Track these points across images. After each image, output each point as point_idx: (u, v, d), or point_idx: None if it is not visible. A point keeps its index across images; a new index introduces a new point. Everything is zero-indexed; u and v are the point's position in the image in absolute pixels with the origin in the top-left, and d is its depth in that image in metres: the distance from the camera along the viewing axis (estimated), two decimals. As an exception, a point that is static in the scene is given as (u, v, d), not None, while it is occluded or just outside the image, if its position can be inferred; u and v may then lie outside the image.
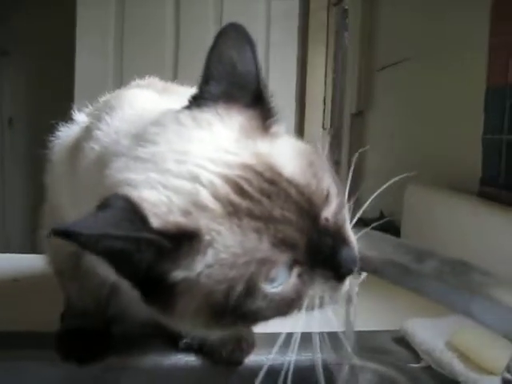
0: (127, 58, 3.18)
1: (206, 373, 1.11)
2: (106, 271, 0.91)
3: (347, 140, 2.73)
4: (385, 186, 0.86)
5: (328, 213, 0.75)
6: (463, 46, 1.80)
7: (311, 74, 3.18)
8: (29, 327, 1.17)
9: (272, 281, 0.71)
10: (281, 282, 0.72)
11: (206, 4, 3.17)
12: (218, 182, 0.71)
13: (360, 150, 0.94)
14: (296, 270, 0.73)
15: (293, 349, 0.77)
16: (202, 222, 0.69)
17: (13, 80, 3.95)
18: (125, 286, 0.86)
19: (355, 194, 0.85)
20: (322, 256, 0.73)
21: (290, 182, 0.73)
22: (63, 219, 0.97)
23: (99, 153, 0.85)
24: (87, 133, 0.93)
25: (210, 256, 0.69)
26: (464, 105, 1.78)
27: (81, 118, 1.08)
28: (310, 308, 0.76)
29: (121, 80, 3.13)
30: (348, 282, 0.78)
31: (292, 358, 0.79)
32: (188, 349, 1.12)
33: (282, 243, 0.70)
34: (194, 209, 0.70)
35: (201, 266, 0.70)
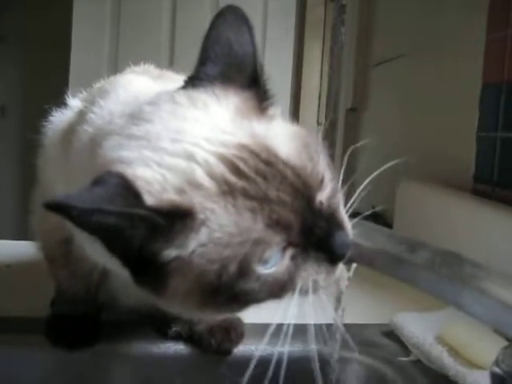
0: (122, 48, 3.18)
1: (194, 361, 1.11)
2: (95, 255, 0.91)
3: (341, 135, 2.73)
4: (377, 172, 0.86)
5: (322, 196, 0.75)
6: (459, 42, 1.80)
7: (307, 69, 3.19)
8: (19, 313, 1.17)
9: (265, 262, 0.71)
10: (274, 263, 0.72)
11: None
12: (214, 160, 0.71)
13: (354, 146, 0.93)
14: (289, 252, 0.73)
15: (286, 338, 0.77)
16: (196, 200, 0.69)
17: (6, 67, 3.93)
18: (115, 268, 0.86)
19: (348, 189, 0.85)
20: (316, 239, 0.73)
21: (285, 163, 0.73)
22: None
23: (92, 134, 0.85)
24: (81, 116, 0.92)
25: (203, 235, 0.69)
26: (459, 101, 1.78)
27: (74, 102, 1.07)
28: (304, 292, 0.76)
29: (115, 69, 3.09)
30: (341, 266, 0.78)
31: (285, 348, 0.79)
32: (177, 337, 1.12)
33: (276, 224, 0.70)
34: (188, 187, 0.69)
35: (194, 245, 0.69)
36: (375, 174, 0.85)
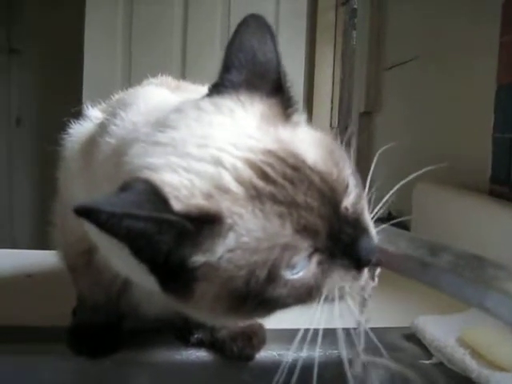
0: (135, 58, 3.20)
1: (216, 368, 1.12)
2: (119, 266, 0.91)
3: (355, 139, 2.73)
4: (397, 187, 0.87)
5: (348, 202, 0.76)
6: (473, 44, 1.79)
7: (319, 73, 3.19)
8: (41, 322, 1.17)
9: (293, 267, 0.71)
10: (301, 268, 0.72)
11: (213, 5, 3.18)
12: (241, 165, 0.71)
13: (385, 147, 0.94)
14: (316, 258, 0.73)
15: (312, 344, 0.78)
16: (224, 205, 0.69)
17: (21, 79, 3.95)
18: (139, 279, 0.86)
19: (367, 192, 0.85)
20: (342, 244, 0.73)
21: (312, 169, 0.73)
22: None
23: (115, 145, 0.85)
24: (102, 128, 0.93)
25: (231, 240, 0.69)
26: (474, 103, 1.78)
27: (93, 113, 1.08)
28: (330, 298, 0.76)
29: (129, 80, 3.15)
30: (366, 272, 0.78)
31: (316, 353, 0.80)
32: (199, 344, 1.12)
33: (304, 229, 0.70)
34: (216, 192, 0.70)
35: (222, 250, 0.70)
36: (406, 180, 0.85)
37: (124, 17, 3.22)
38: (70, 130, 1.07)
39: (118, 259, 0.87)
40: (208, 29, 3.11)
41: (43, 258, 1.46)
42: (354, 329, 0.88)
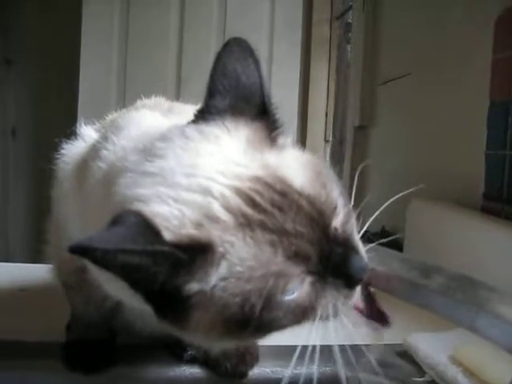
0: (131, 70, 3.21)
1: (210, 385, 1.12)
2: (111, 290, 0.91)
3: (349, 153, 2.74)
4: (389, 202, 0.87)
5: (337, 222, 0.77)
6: (466, 60, 1.81)
7: (314, 86, 3.21)
8: (35, 337, 1.17)
9: (287, 292, 0.72)
10: (294, 290, 0.73)
11: (209, 18, 3.20)
12: (229, 194, 0.72)
13: (363, 164, 0.94)
14: (309, 279, 0.74)
15: (313, 360, 0.78)
16: (215, 234, 0.70)
17: (16, 90, 3.95)
18: (133, 304, 0.87)
19: (357, 208, 0.85)
20: (333, 265, 0.74)
21: (300, 193, 0.74)
22: (69, 235, 0.98)
23: (106, 171, 0.86)
24: (94, 152, 0.93)
25: (223, 268, 0.70)
26: (467, 120, 1.79)
27: (87, 132, 1.08)
28: (325, 317, 0.77)
29: (124, 91, 3.16)
30: (358, 290, 0.79)
31: (314, 369, 0.80)
32: (192, 361, 1.12)
33: (295, 256, 0.71)
34: (206, 221, 0.70)
35: (215, 279, 0.70)
36: (387, 203, 0.85)
37: (120, 27, 3.24)
38: (63, 151, 1.07)
39: (113, 288, 0.87)
40: (203, 42, 3.12)
41: (37, 272, 1.45)
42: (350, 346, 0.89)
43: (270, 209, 0.71)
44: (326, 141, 3.15)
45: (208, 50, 2.96)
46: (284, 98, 2.95)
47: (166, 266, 0.68)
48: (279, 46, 3.14)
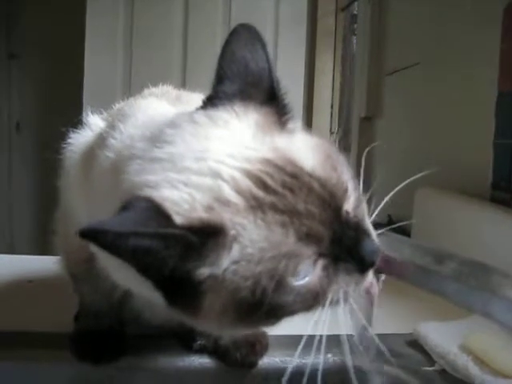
0: (136, 62, 3.20)
1: (219, 375, 1.12)
2: (119, 279, 0.91)
3: (355, 144, 2.73)
4: (397, 189, 0.86)
5: (348, 206, 0.76)
6: (474, 50, 1.80)
7: (319, 78, 3.19)
8: (43, 328, 1.17)
9: (298, 274, 0.71)
10: (306, 274, 0.72)
11: (214, 10, 3.19)
12: (240, 176, 0.71)
13: (370, 147, 0.93)
14: (320, 263, 0.73)
15: (319, 350, 0.77)
16: (226, 216, 0.69)
17: (20, 84, 3.95)
18: (141, 293, 0.86)
19: (365, 198, 0.85)
20: (345, 248, 0.74)
21: (311, 175, 0.73)
22: (77, 224, 0.98)
23: (114, 160, 0.85)
24: (101, 140, 0.93)
25: (235, 251, 0.70)
26: (475, 109, 1.78)
27: (94, 120, 1.08)
28: (335, 303, 0.76)
29: (129, 84, 3.15)
30: (370, 275, 0.78)
31: (320, 359, 0.80)
32: (202, 350, 1.12)
33: (307, 237, 0.70)
34: (216, 204, 0.70)
35: (227, 262, 0.70)
36: (394, 191, 0.85)
37: (125, 21, 3.22)
38: (70, 140, 1.07)
39: (122, 276, 0.86)
40: (208, 35, 3.11)
41: (44, 264, 1.46)
42: (360, 333, 0.88)
43: (280, 190, 0.71)
44: (332, 132, 3.14)
45: (213, 43, 2.95)
46: (290, 90, 2.93)
47: (177, 250, 0.68)
48: (284, 37, 3.12)
